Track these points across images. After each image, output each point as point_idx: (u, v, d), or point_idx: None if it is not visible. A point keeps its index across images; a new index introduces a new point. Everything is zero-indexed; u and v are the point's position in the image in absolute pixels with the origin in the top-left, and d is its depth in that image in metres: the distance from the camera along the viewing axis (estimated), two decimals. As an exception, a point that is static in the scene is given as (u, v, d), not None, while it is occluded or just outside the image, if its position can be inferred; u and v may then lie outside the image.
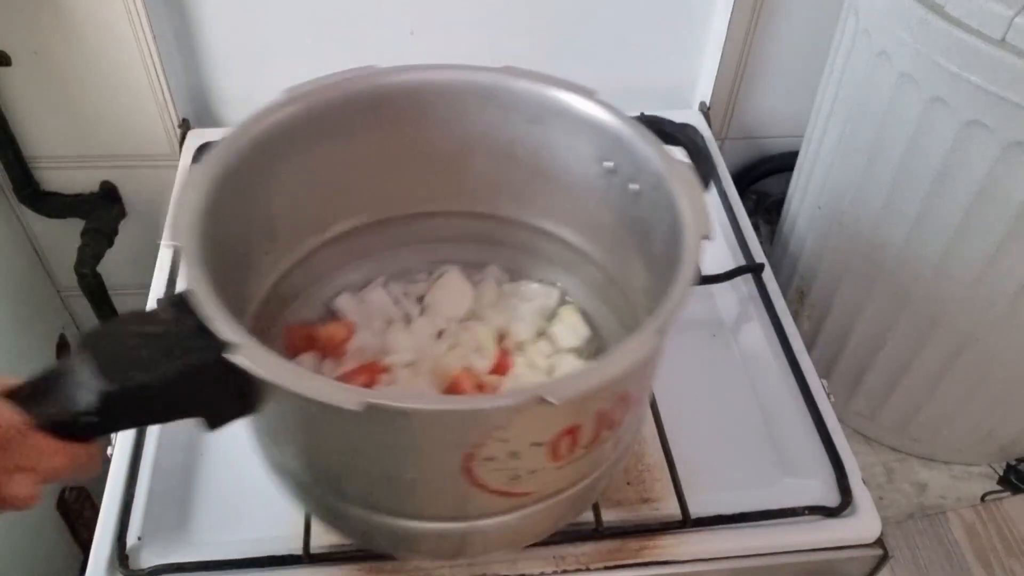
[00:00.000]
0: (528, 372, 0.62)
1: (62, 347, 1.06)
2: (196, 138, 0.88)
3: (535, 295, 0.67)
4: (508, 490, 0.46)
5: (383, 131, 0.58)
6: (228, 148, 0.50)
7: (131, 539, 0.57)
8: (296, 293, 0.62)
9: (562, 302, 0.67)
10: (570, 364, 0.63)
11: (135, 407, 0.42)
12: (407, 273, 0.68)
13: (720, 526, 0.59)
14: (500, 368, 0.62)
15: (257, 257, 0.56)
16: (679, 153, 0.61)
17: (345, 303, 0.65)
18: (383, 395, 0.39)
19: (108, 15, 0.82)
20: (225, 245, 0.48)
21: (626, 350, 0.42)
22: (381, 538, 0.51)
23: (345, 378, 0.59)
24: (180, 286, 0.73)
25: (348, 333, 0.63)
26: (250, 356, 0.39)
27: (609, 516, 0.59)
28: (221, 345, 0.40)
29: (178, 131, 0.90)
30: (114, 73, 0.87)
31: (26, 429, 0.40)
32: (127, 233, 1.00)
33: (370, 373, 0.60)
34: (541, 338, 0.65)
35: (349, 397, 0.38)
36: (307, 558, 0.57)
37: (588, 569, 0.58)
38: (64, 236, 0.98)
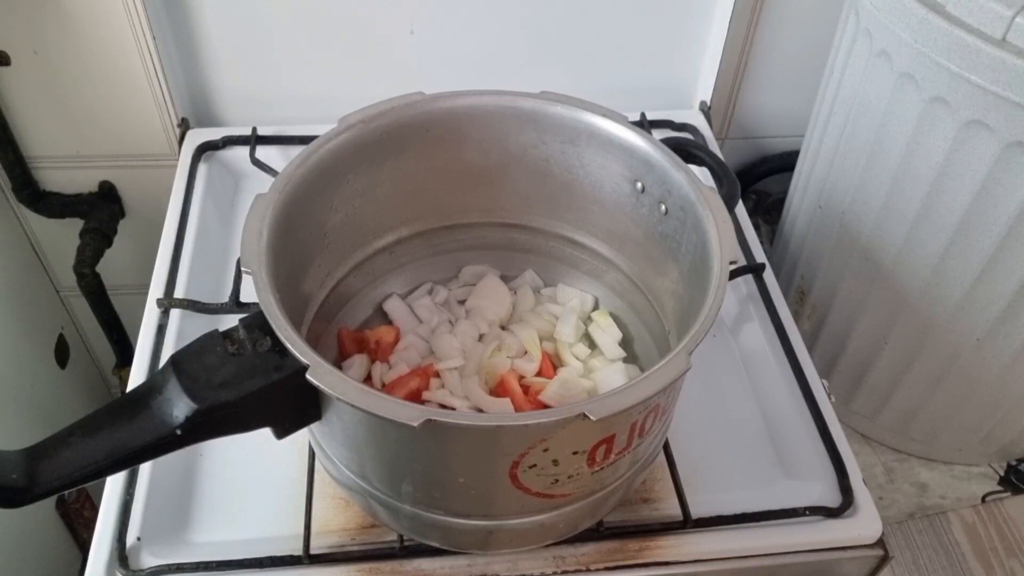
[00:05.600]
0: (572, 373, 0.65)
1: (61, 347, 1.06)
2: (195, 138, 0.88)
3: (571, 299, 0.70)
4: (548, 493, 0.50)
5: (428, 152, 0.62)
6: (288, 177, 0.54)
7: (131, 539, 0.57)
8: (347, 298, 0.66)
9: (595, 306, 0.70)
10: (608, 366, 0.66)
11: (216, 422, 0.46)
12: (448, 279, 0.72)
13: (721, 526, 0.59)
14: (545, 370, 0.65)
15: (313, 269, 0.60)
16: (704, 174, 0.66)
17: (393, 307, 0.69)
18: (440, 413, 0.42)
19: (107, 15, 0.82)
20: (287, 263, 0.53)
21: (660, 371, 0.45)
22: (428, 530, 0.55)
23: (399, 382, 0.63)
24: (180, 291, 0.72)
25: (396, 336, 0.67)
26: (322, 376, 0.43)
27: (609, 516, 0.59)
28: (296, 365, 0.44)
29: (177, 131, 0.90)
30: (113, 73, 0.87)
31: None
32: (126, 233, 1.00)
33: (422, 376, 0.63)
34: (580, 340, 0.68)
35: (410, 414, 0.42)
36: (307, 558, 0.57)
37: (588, 569, 0.58)
38: (63, 236, 0.98)
